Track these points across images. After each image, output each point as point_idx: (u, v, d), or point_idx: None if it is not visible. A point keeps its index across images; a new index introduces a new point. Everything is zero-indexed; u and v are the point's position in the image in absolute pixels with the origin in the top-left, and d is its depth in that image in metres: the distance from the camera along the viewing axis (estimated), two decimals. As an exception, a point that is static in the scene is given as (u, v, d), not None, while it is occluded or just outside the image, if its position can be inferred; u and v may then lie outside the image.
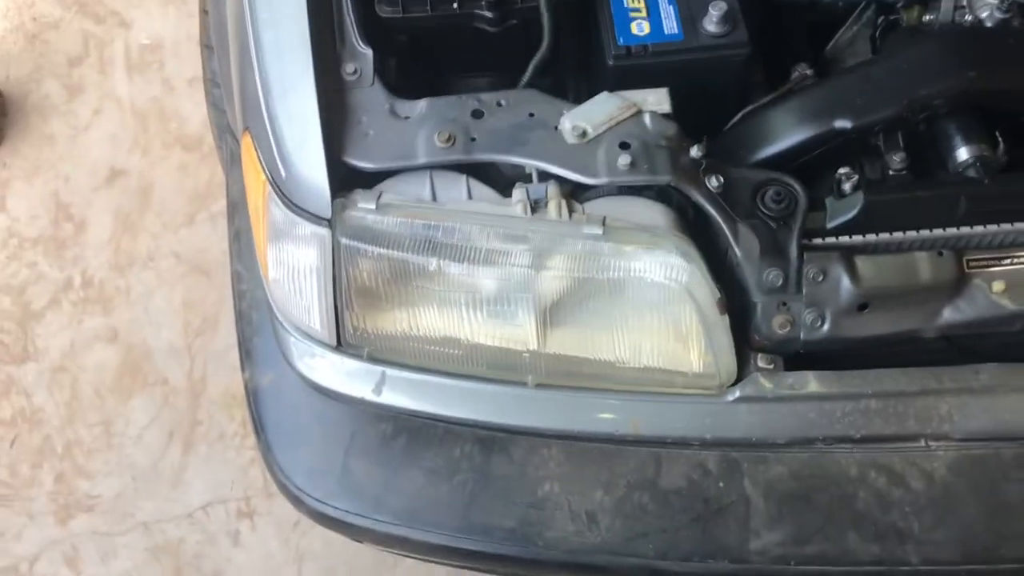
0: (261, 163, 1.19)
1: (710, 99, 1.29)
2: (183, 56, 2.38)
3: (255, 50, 1.21)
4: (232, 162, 1.44)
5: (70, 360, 2.03)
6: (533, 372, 1.18)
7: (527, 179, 1.17)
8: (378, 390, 1.21)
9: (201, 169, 2.24)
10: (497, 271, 1.13)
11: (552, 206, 1.12)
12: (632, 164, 1.12)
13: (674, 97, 1.19)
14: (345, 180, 1.16)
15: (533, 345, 1.17)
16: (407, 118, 1.18)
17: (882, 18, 1.38)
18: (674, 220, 1.14)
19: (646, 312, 1.14)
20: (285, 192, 1.16)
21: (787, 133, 1.20)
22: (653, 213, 1.14)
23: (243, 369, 1.32)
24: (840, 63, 1.41)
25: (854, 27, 1.41)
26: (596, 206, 1.14)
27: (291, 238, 1.17)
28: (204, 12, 1.66)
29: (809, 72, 1.31)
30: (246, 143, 1.25)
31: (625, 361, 1.16)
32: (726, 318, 1.13)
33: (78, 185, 2.25)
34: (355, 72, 1.21)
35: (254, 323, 1.33)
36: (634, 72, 1.25)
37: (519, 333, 1.17)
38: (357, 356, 1.21)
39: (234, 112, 1.34)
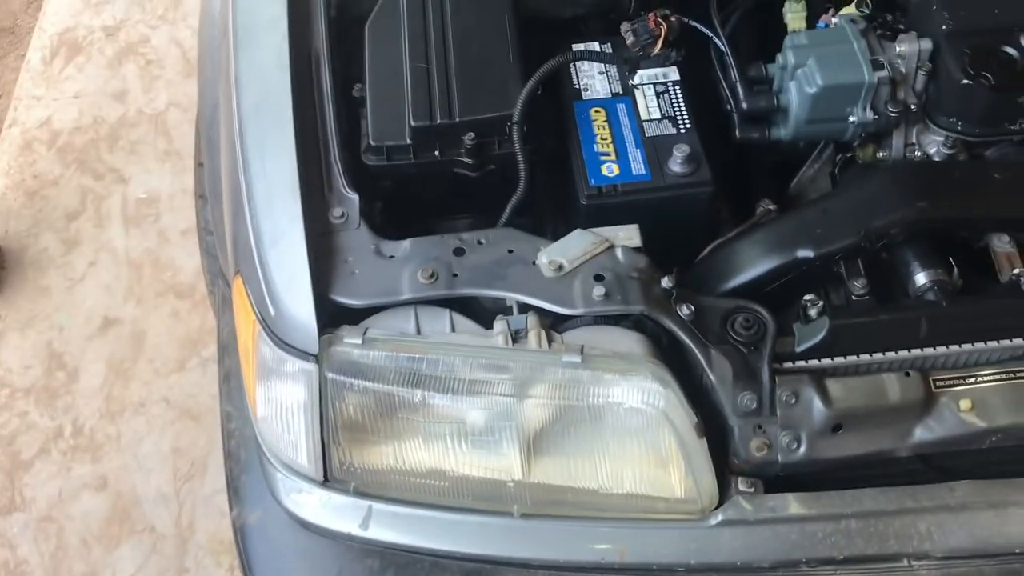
0: (251, 304, 1.24)
1: (678, 233, 1.36)
2: (178, 208, 2.48)
3: (247, 198, 1.28)
4: (223, 306, 1.49)
5: (57, 510, 2.02)
6: (519, 502, 1.20)
7: (508, 312, 1.22)
8: (365, 525, 1.22)
9: (192, 316, 2.29)
10: (481, 400, 1.16)
11: (532, 336, 1.17)
12: (606, 295, 1.17)
13: (644, 232, 1.26)
14: (333, 317, 1.20)
15: (518, 475, 1.19)
16: (392, 257, 1.23)
17: (840, 156, 1.47)
18: (649, 347, 1.18)
19: (626, 438, 1.17)
20: (274, 330, 1.20)
21: (753, 264, 1.26)
22: (629, 341, 1.18)
23: (231, 508, 1.33)
24: (804, 198, 1.49)
25: (815, 165, 1.50)
26: (574, 336, 1.19)
27: (279, 375, 1.21)
28: (199, 164, 1.75)
29: (772, 207, 1.39)
30: (237, 286, 1.30)
31: (608, 488, 1.19)
32: (704, 442, 1.15)
33: (72, 334, 2.29)
34: (342, 216, 1.27)
35: (242, 462, 1.35)
36: (606, 210, 1.32)
37: (504, 463, 1.19)
38: (344, 491, 1.23)
39: (227, 258, 1.40)
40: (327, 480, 1.23)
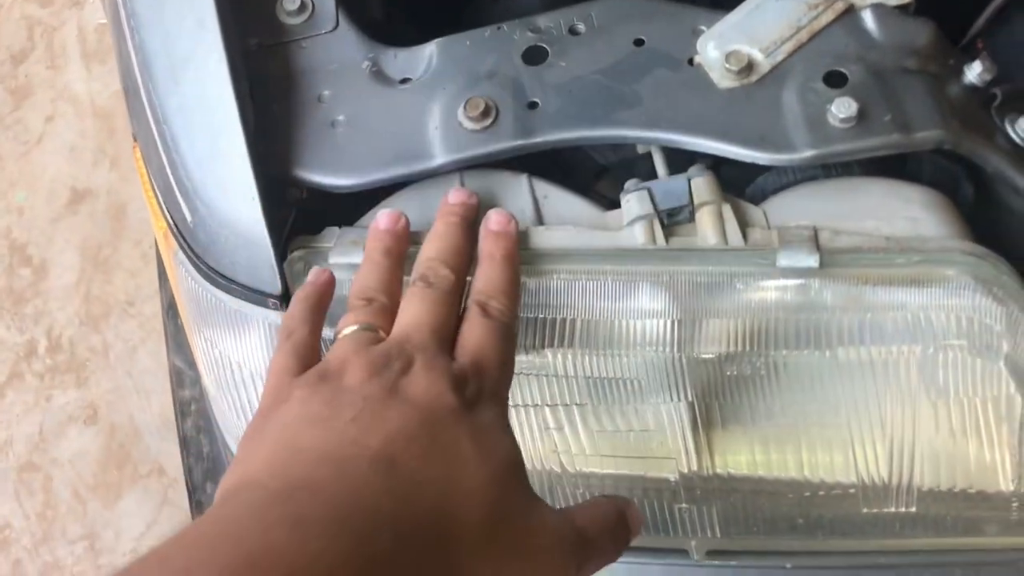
0: (157, 197, 0.66)
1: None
2: (148, 33, 1.86)
3: (122, -4, 0.67)
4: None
5: (40, 453, 1.54)
6: (695, 524, 0.63)
7: (643, 168, 0.62)
8: None
9: (184, 176, 1.72)
10: (609, 363, 0.58)
11: (706, 219, 0.57)
12: (861, 115, 0.55)
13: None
14: (308, 212, 0.63)
15: (687, 463, 0.62)
16: (405, 81, 0.63)
17: None
18: (959, 221, 0.57)
19: (916, 403, 0.57)
20: (197, 249, 0.63)
21: None
22: (914, 209, 0.57)
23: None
24: None
25: None
26: (790, 206, 0.58)
27: (223, 326, 0.64)
28: None
29: None
30: (137, 160, 0.72)
31: (882, 481, 0.60)
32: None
33: (34, 216, 1.75)
34: (303, 8, 0.66)
35: (209, 461, 0.80)
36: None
37: (659, 447, 0.62)
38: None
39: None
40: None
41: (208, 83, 0.61)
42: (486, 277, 0.53)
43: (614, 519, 0.48)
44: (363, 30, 0.66)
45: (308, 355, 0.51)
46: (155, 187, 0.66)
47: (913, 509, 0.59)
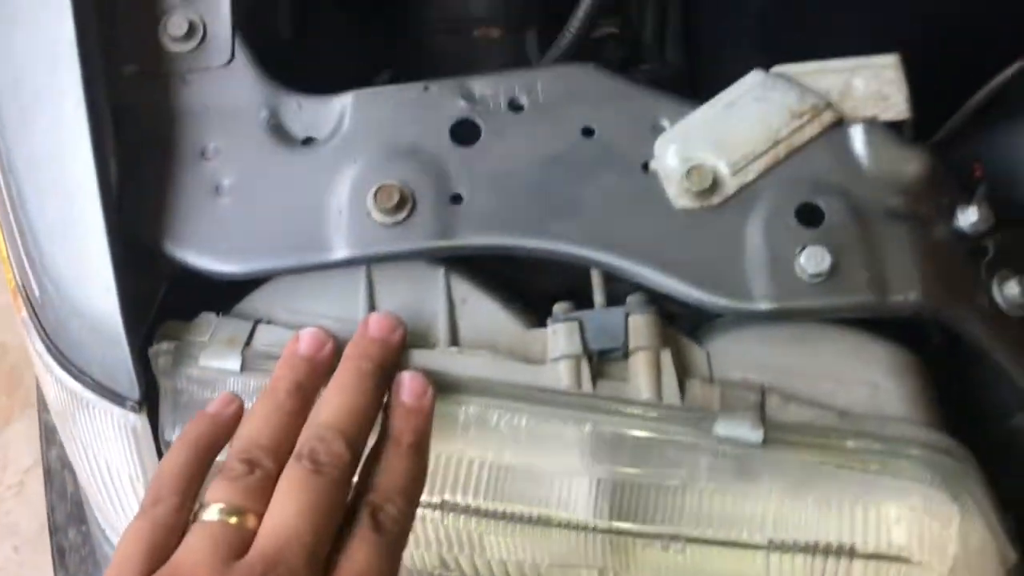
0: (9, 257, 0.56)
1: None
2: None
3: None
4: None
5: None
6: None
7: (575, 290, 0.53)
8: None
9: None
10: (512, 530, 0.51)
11: (640, 367, 0.49)
12: (834, 270, 0.47)
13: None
14: (180, 291, 0.53)
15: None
16: (308, 141, 0.53)
17: None
18: (923, 391, 0.50)
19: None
20: (47, 328, 0.53)
21: None
22: (876, 374, 0.50)
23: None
24: None
25: None
26: (737, 353, 0.51)
27: (80, 417, 0.55)
28: None
29: None
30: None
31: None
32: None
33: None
34: (191, 33, 0.55)
35: (72, 504, 0.72)
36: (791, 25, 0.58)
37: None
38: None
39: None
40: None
41: (63, 133, 0.50)
42: (388, 470, 0.42)
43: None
44: (265, 60, 0.55)
45: (166, 541, 0.40)
46: (5, 238, 0.55)
47: None
